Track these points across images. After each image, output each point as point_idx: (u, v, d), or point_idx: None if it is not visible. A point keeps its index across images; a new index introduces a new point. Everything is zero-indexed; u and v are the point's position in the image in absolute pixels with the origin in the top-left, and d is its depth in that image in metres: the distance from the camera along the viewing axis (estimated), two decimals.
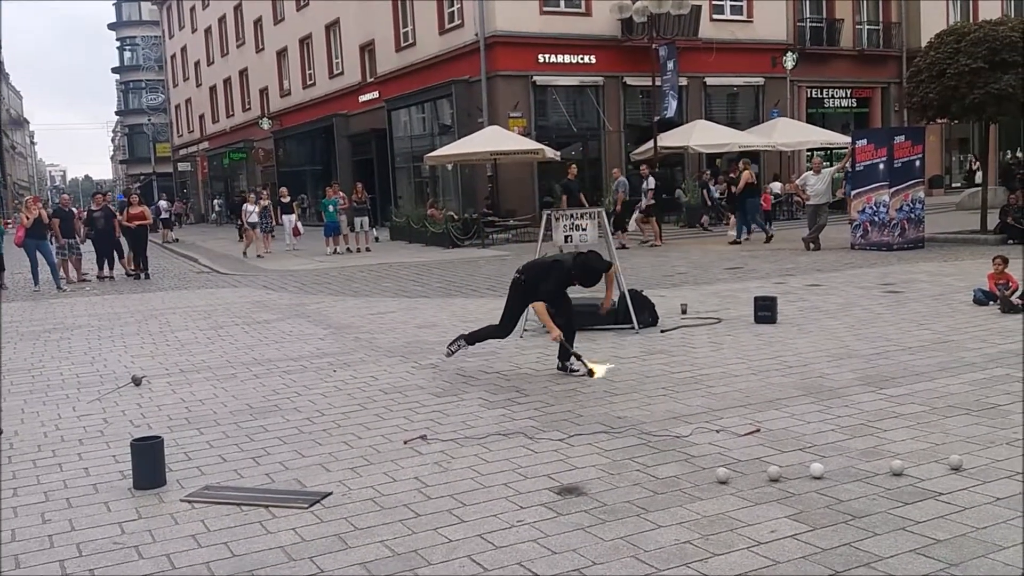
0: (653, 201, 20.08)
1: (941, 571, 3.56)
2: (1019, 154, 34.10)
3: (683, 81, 26.69)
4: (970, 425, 5.45)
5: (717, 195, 25.61)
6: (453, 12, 26.88)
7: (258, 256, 21.90)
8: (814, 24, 30.47)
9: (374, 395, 7.01)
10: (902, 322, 9.06)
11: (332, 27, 34.77)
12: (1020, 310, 9.10)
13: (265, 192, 25.95)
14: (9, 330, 11.52)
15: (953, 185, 33.87)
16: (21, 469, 5.47)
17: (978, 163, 31.74)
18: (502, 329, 7.58)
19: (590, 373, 6.98)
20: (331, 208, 21.94)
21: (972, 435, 5.25)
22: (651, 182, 20.08)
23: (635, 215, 20.58)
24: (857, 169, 16.57)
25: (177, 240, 31.66)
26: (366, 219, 22.68)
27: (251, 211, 22.81)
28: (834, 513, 4.18)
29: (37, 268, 16.79)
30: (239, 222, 23.99)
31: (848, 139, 21.33)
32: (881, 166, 16.05)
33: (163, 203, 35.41)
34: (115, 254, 18.65)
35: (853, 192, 16.95)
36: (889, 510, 4.19)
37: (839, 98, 31.82)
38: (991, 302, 9.63)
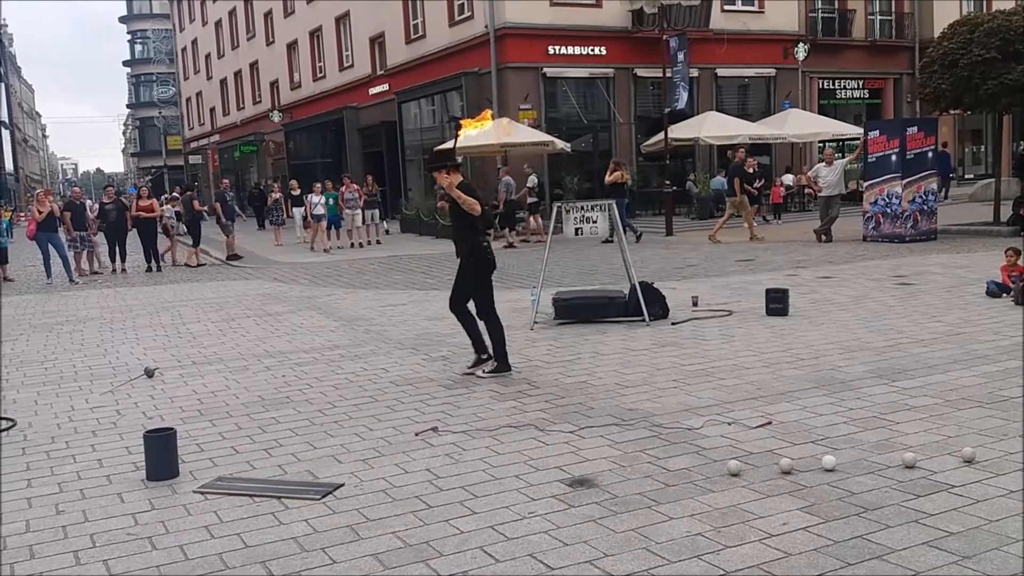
0: (535, 199, 21.07)
1: (954, 563, 3.55)
2: None
3: (694, 72, 26.58)
4: (983, 418, 5.42)
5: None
6: (463, 4, 26.83)
7: (325, 251, 20.32)
8: (826, 15, 30.28)
9: (385, 387, 7.02)
10: (914, 314, 9.02)
11: (342, 19, 34.75)
12: None
13: (276, 184, 25.87)
14: (22, 322, 11.59)
15: (966, 176, 33.65)
16: (35, 460, 5.50)
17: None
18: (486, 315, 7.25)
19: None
20: (330, 201, 21.60)
21: (985, 428, 5.23)
22: (533, 180, 21.01)
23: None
24: (869, 160, 16.48)
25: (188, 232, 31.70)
26: (376, 212, 22.65)
27: (316, 203, 21.02)
28: (846, 506, 4.17)
29: (49, 261, 16.88)
30: (304, 214, 23.31)
31: (860, 130, 21.22)
32: (893, 157, 15.97)
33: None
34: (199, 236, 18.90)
35: (866, 184, 16.85)
36: (902, 503, 4.18)
37: (851, 89, 31.63)
38: (1004, 294, 9.58)
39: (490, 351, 7.25)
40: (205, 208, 19.09)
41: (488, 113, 8.51)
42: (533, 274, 11.92)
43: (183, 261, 19.33)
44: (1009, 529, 3.83)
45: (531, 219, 21.19)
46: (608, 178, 19.05)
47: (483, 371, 7.21)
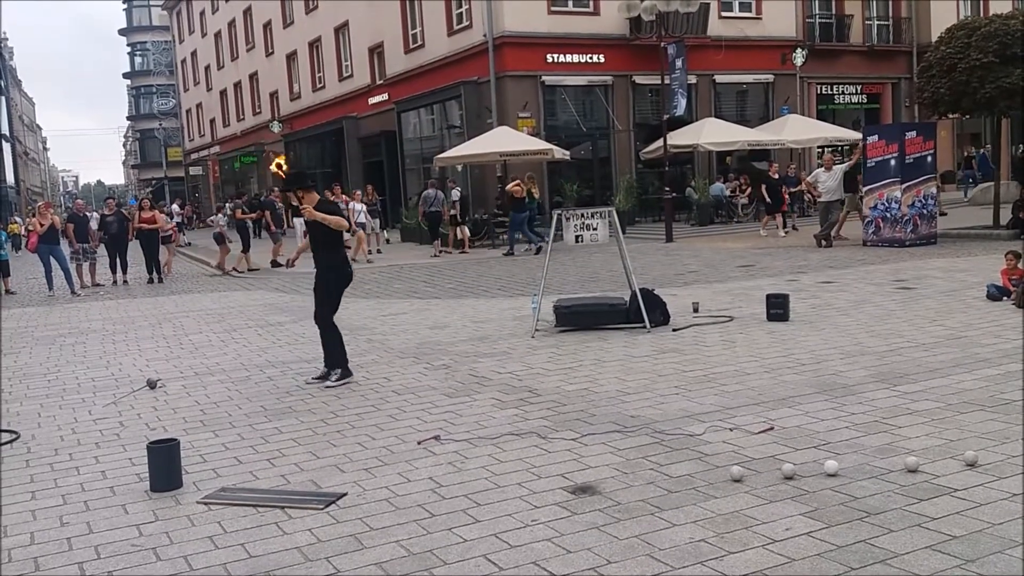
0: (455, 211, 21.45)
1: (957, 567, 3.55)
2: None
3: (692, 79, 26.63)
4: (985, 421, 5.43)
5: (728, 193, 25.62)
6: (461, 13, 26.91)
7: (367, 261, 19.39)
8: (823, 20, 30.35)
9: (387, 396, 7.03)
10: (915, 318, 9.02)
11: (341, 29, 34.85)
12: None
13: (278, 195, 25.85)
14: (24, 335, 11.60)
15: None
16: (39, 472, 5.51)
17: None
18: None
19: None
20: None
21: (987, 431, 5.23)
22: (455, 194, 21.60)
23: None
24: (868, 165, 16.50)
25: (189, 244, 31.78)
26: (377, 221, 22.68)
27: (358, 210, 20.13)
28: (849, 510, 4.18)
29: (51, 273, 16.91)
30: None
31: (859, 135, 21.26)
32: (892, 162, 15.99)
33: (175, 207, 35.54)
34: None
35: (865, 188, 16.87)
36: (904, 507, 4.18)
37: (849, 94, 31.67)
38: (1005, 297, 9.59)
39: (339, 366, 7.60)
40: (251, 216, 19.20)
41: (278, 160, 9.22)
42: (534, 282, 11.94)
43: (233, 267, 19.38)
44: (1012, 532, 3.83)
45: (453, 231, 21.43)
46: (516, 192, 19.51)
47: (332, 380, 7.50)
